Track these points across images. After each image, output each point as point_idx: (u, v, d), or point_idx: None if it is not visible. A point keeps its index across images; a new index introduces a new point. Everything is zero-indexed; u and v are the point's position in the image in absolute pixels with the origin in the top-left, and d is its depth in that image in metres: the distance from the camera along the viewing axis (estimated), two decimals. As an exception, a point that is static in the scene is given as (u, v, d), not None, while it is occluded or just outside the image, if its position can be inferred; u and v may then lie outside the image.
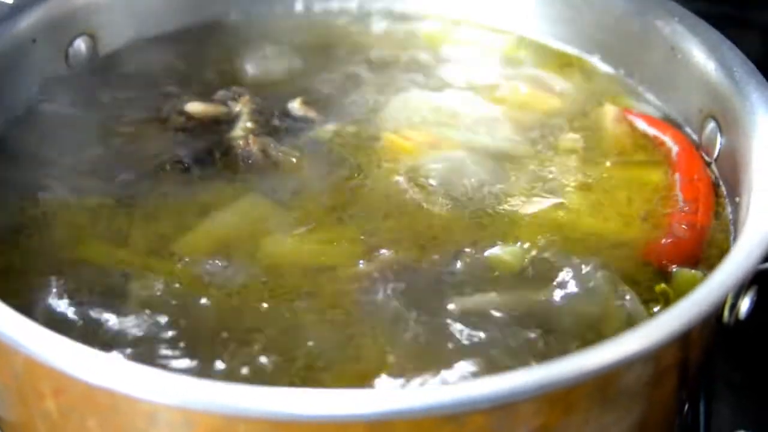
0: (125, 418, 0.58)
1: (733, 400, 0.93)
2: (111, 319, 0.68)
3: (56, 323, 0.66)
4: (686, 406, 0.76)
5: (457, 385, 0.57)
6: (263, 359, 0.66)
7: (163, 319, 0.69)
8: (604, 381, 0.61)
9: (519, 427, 0.59)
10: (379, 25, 1.00)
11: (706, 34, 0.88)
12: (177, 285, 0.72)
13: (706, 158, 0.86)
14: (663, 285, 0.74)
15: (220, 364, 0.65)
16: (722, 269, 0.66)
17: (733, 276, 0.65)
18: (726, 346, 0.78)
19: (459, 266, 0.74)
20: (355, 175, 0.83)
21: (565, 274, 0.73)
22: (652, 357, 0.62)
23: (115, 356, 0.60)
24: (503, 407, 0.57)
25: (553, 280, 0.73)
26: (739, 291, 0.68)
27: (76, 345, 0.57)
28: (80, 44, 0.92)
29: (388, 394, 0.56)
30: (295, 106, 0.89)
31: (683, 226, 0.79)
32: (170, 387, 0.55)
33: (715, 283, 0.65)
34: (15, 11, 0.87)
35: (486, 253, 0.75)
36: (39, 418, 0.62)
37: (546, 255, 0.76)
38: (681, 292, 0.71)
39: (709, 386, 0.88)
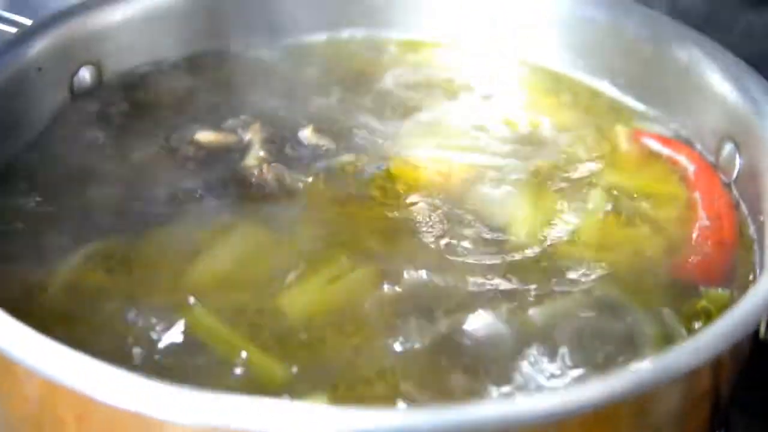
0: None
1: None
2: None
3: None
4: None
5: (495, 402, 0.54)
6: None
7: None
8: (643, 400, 0.59)
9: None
10: (389, 54, 0.99)
11: (720, 56, 0.87)
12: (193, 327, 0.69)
13: (724, 179, 0.85)
14: (704, 302, 0.72)
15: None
16: (763, 283, 0.64)
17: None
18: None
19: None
20: (370, 203, 0.82)
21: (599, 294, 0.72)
22: (695, 373, 0.60)
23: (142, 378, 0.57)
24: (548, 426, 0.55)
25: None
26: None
27: (101, 365, 0.54)
28: (85, 73, 0.90)
29: (428, 413, 0.53)
30: (307, 134, 0.88)
31: (709, 243, 0.78)
32: (206, 406, 0.52)
33: (756, 298, 0.64)
34: (21, 39, 0.86)
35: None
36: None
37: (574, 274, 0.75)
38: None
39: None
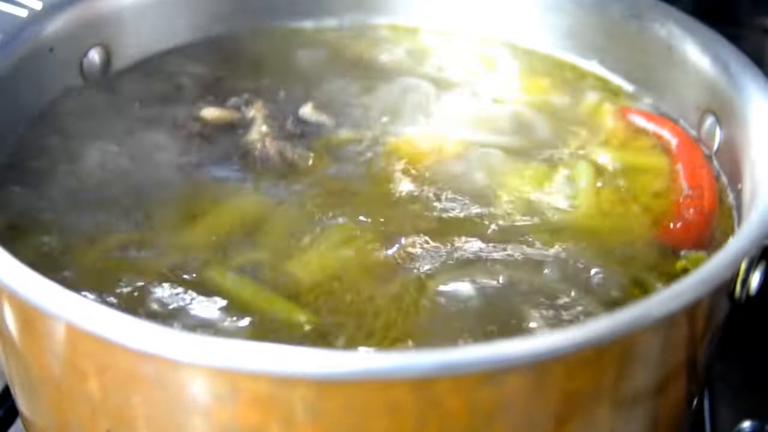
0: (170, 392, 0.59)
1: (733, 398, 0.95)
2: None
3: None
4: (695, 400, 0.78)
5: (495, 343, 0.58)
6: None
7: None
8: (626, 344, 0.63)
9: (552, 390, 0.61)
10: (381, 38, 1.04)
11: (700, 32, 0.91)
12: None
13: (706, 151, 0.89)
14: (684, 262, 0.76)
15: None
16: (737, 238, 0.69)
17: (748, 244, 0.68)
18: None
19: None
20: (369, 175, 0.86)
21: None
22: (674, 320, 0.65)
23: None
24: (538, 367, 0.59)
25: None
26: (751, 264, 0.71)
27: (121, 314, 0.58)
28: (94, 55, 0.94)
29: (430, 352, 0.57)
30: (307, 111, 0.92)
31: (691, 211, 0.82)
32: (216, 349, 0.56)
33: (731, 251, 0.67)
34: (34, 20, 0.90)
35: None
36: (81, 401, 0.63)
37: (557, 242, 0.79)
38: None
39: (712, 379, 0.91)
